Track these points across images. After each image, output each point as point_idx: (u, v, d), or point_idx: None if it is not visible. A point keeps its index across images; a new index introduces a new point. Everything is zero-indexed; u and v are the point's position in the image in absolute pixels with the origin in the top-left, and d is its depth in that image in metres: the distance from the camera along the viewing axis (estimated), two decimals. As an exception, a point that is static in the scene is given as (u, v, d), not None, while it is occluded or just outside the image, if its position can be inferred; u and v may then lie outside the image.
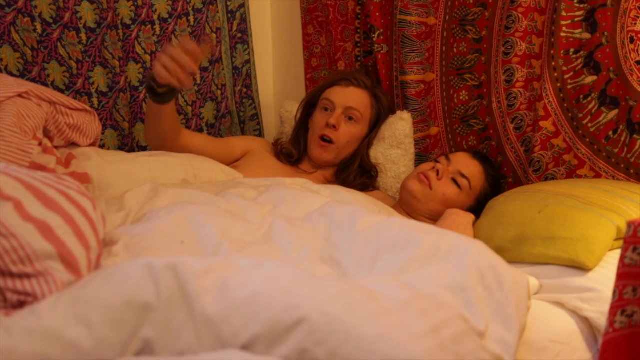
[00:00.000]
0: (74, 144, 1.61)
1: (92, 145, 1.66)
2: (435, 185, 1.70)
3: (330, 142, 1.89)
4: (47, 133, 1.49)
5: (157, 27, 2.02)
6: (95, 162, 1.56)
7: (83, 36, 1.85)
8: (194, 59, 1.53)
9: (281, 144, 2.02)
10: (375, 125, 1.96)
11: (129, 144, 1.99)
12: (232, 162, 1.93)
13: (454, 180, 1.72)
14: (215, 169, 1.74)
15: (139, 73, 2.00)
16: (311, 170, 1.95)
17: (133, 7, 1.96)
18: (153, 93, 1.62)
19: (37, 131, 1.40)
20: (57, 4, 1.79)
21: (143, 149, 2.04)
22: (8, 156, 1.25)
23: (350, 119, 1.90)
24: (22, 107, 1.39)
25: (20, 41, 1.74)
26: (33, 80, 1.76)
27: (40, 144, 1.41)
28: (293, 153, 1.97)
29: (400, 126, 1.95)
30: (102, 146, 1.90)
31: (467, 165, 1.75)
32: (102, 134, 1.90)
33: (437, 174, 1.71)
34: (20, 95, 1.42)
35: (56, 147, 1.53)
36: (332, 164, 1.94)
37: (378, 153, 1.97)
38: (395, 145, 1.96)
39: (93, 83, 1.89)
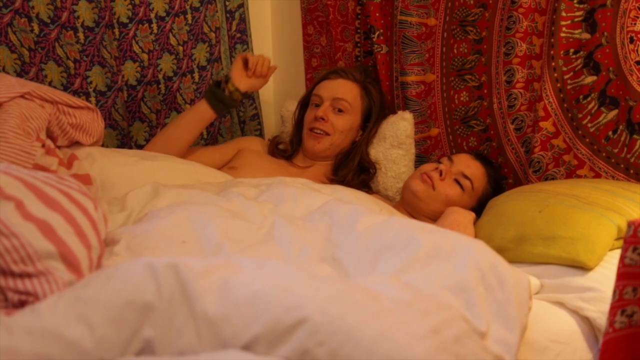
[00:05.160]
0: (77, 143, 1.61)
1: (95, 143, 1.66)
2: (438, 185, 1.71)
3: (321, 133, 1.91)
4: (50, 134, 1.49)
5: (154, 26, 2.02)
6: (98, 164, 1.56)
7: (81, 35, 1.84)
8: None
9: (276, 140, 2.06)
10: (368, 116, 1.97)
11: (127, 143, 1.99)
12: (226, 162, 1.95)
13: (457, 181, 1.72)
14: (217, 175, 1.75)
15: (136, 72, 1.99)
16: (305, 164, 1.96)
17: (130, 6, 1.95)
18: (220, 100, 1.83)
19: (40, 133, 1.40)
20: (54, 4, 1.78)
21: (141, 147, 2.03)
22: (12, 158, 1.25)
23: (340, 110, 1.91)
24: (25, 108, 1.39)
25: (17, 42, 1.73)
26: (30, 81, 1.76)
27: (43, 146, 1.41)
28: (287, 149, 2.01)
29: (402, 126, 1.95)
30: (101, 146, 1.90)
31: (469, 167, 1.75)
32: (102, 133, 1.90)
33: (440, 175, 1.71)
34: (22, 96, 1.42)
35: (59, 147, 1.53)
36: (328, 155, 1.95)
37: (379, 152, 1.97)
38: (397, 145, 1.96)
39: (91, 82, 1.88)
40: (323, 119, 1.90)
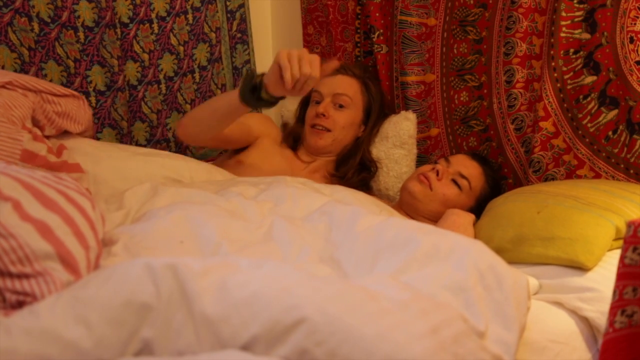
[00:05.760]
0: (66, 132, 1.60)
1: (84, 131, 1.65)
2: (436, 185, 1.71)
3: (323, 130, 1.90)
4: (36, 123, 1.48)
5: (155, 26, 2.02)
6: (90, 157, 1.56)
7: (81, 35, 1.84)
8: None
9: (288, 129, 2.05)
10: (369, 111, 1.97)
11: (127, 143, 1.99)
12: (245, 144, 1.90)
13: (454, 181, 1.72)
14: (212, 171, 1.75)
15: (137, 72, 1.99)
16: (309, 159, 1.96)
17: (131, 6, 1.95)
18: (252, 94, 1.54)
19: (25, 121, 1.39)
20: (54, 3, 1.78)
21: (142, 147, 2.03)
22: None
23: (341, 106, 1.91)
24: (7, 97, 1.38)
25: (17, 41, 1.73)
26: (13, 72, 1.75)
27: (30, 133, 1.39)
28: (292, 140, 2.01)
29: (405, 126, 1.96)
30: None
31: (466, 166, 1.75)
32: (100, 132, 1.90)
33: (437, 175, 1.72)
34: (3, 87, 1.41)
35: (48, 137, 1.52)
36: (330, 151, 1.95)
37: (381, 152, 1.97)
38: (399, 145, 1.96)
39: (91, 82, 1.88)
40: (324, 115, 1.90)
